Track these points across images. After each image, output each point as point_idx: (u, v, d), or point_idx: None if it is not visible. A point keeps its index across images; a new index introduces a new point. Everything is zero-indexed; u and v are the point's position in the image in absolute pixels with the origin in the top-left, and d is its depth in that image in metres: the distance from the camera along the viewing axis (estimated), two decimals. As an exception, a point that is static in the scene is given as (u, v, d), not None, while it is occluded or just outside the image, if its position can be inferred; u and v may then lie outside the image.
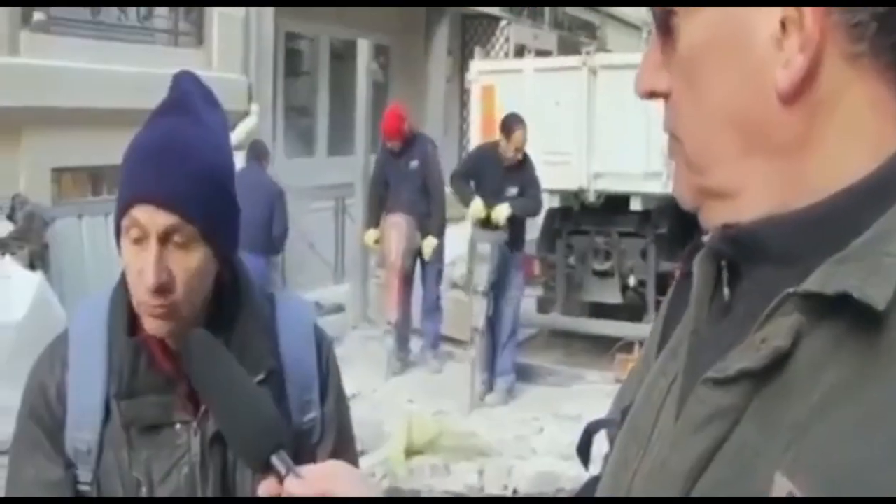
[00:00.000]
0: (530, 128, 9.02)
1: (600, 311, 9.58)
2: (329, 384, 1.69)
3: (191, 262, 1.48)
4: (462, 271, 10.25)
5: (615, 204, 9.13)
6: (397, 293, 8.19)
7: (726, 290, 0.85)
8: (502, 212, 7.46)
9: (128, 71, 8.28)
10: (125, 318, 1.56)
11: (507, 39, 14.95)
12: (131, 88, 8.16)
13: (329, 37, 12.49)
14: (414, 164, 8.26)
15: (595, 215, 9.29)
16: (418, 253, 8.30)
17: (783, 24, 0.73)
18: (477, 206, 7.53)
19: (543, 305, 9.91)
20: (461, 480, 5.89)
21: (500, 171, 7.58)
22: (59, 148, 7.92)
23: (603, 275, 9.33)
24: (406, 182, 8.27)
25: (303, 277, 10.20)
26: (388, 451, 6.11)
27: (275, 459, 1.16)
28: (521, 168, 7.68)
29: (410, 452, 6.10)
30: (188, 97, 1.53)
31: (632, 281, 9.11)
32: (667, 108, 0.84)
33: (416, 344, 8.71)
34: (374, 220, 8.54)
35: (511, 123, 7.51)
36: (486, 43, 14.26)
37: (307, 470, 1.18)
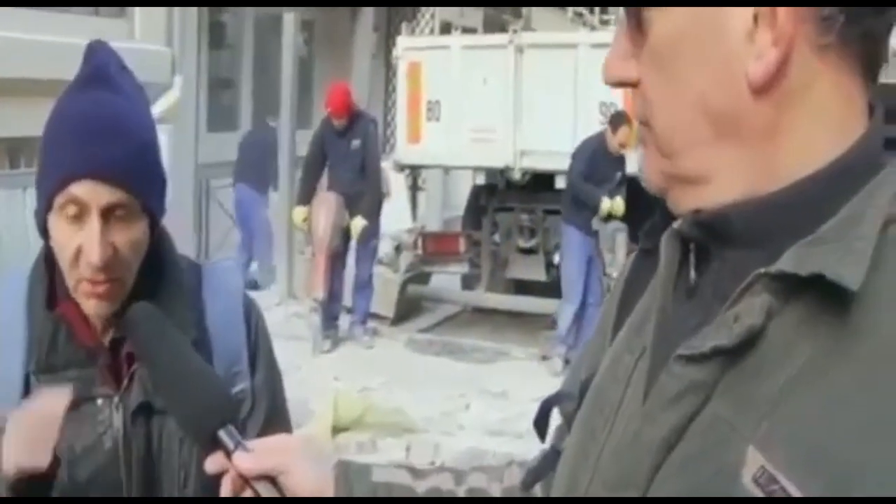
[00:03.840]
0: (456, 104, 9.05)
1: (525, 288, 9.68)
2: (259, 354, 1.66)
3: (133, 236, 1.45)
4: (387, 249, 10.26)
5: (541, 182, 9.21)
6: (324, 271, 8.14)
7: (693, 273, 0.87)
8: (621, 206, 7.92)
9: (46, 40, 8.04)
10: (45, 292, 1.53)
11: (432, 16, 14.87)
12: (50, 58, 7.90)
13: (254, 10, 12.30)
14: (356, 143, 8.23)
15: (520, 193, 9.36)
16: (347, 231, 8.27)
17: (755, 19, 0.75)
18: (607, 205, 7.84)
19: (468, 282, 9.97)
20: (387, 457, 5.90)
21: (607, 158, 7.90)
22: (-27, 118, 7.68)
23: (528, 252, 9.42)
24: (346, 161, 8.24)
25: (226, 252, 10.07)
26: (313, 428, 6.09)
27: (222, 434, 1.14)
28: (622, 157, 8.02)
29: (336, 429, 6.09)
30: (107, 69, 1.49)
31: (556, 258, 9.19)
32: (636, 95, 0.86)
33: (342, 321, 8.68)
34: (305, 197, 8.46)
35: (617, 121, 7.80)
36: (412, 19, 14.17)
37: (256, 444, 1.16)
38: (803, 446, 0.70)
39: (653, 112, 0.84)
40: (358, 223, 8.20)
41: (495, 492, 1.21)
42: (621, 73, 0.86)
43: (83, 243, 1.41)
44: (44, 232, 1.49)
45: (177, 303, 1.54)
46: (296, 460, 1.14)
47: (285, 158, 9.59)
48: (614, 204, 7.89)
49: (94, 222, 1.41)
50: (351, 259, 8.54)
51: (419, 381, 7.47)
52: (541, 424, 1.10)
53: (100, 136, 1.42)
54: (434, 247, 9.74)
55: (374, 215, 8.35)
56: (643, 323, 0.91)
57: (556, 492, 0.99)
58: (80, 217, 1.42)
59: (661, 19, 0.80)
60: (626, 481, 0.82)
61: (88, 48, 1.52)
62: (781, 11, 0.74)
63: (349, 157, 8.24)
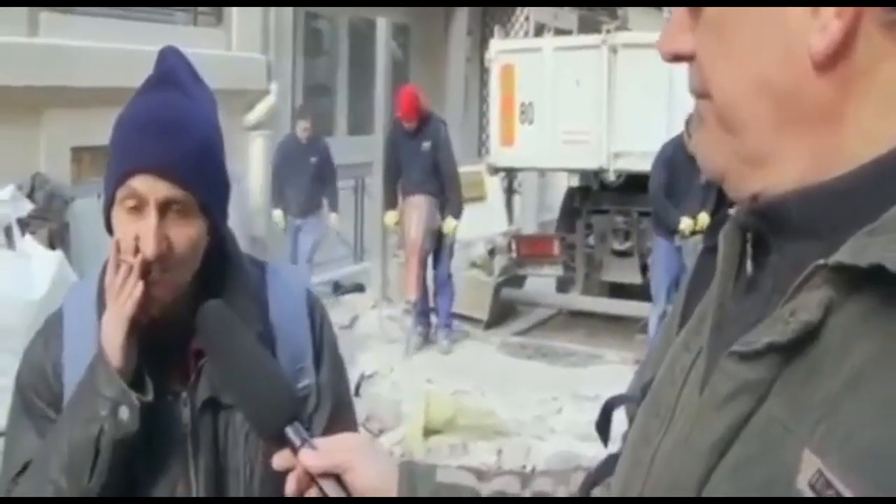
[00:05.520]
0: (549, 106, 8.98)
1: (620, 291, 9.58)
2: (323, 351, 1.67)
3: (189, 233, 1.48)
4: (481, 252, 10.26)
5: (635, 183, 9.09)
6: (417, 273, 8.20)
7: (750, 264, 0.84)
8: (706, 221, 7.73)
9: (147, 50, 8.14)
10: None
11: (526, 18, 14.84)
12: (150, 68, 8.16)
13: (348, 16, 12.45)
14: (426, 145, 8.27)
15: (614, 195, 9.28)
16: (439, 233, 8.31)
17: None
18: (687, 224, 7.72)
19: (563, 285, 9.91)
20: (479, 460, 5.89)
21: (688, 162, 7.66)
22: (78, 127, 7.92)
23: (622, 255, 9.32)
24: (417, 162, 8.29)
25: (322, 256, 10.19)
26: (406, 430, 6.12)
27: (289, 431, 1.16)
28: None
29: (428, 432, 6.11)
30: (176, 72, 1.53)
31: (651, 261, 9.08)
32: (691, 69, 0.82)
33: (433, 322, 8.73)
34: (391, 201, 8.56)
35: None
36: (506, 22, 14.17)
37: (322, 442, 1.17)
38: (861, 449, 0.66)
39: (713, 81, 0.79)
40: (451, 223, 8.25)
41: (561, 495, 1.19)
42: (676, 45, 0.82)
43: (140, 235, 1.45)
44: (109, 228, 1.53)
45: (241, 298, 1.56)
46: (361, 458, 1.14)
47: (378, 161, 9.66)
48: (699, 219, 7.68)
49: (150, 215, 1.44)
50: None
51: (512, 385, 7.44)
52: (602, 427, 1.07)
53: (160, 132, 1.46)
54: (528, 249, 9.70)
55: (459, 216, 8.40)
56: (702, 321, 0.88)
57: (613, 496, 0.97)
58: (138, 209, 1.45)
59: None
60: (677, 486, 0.79)
61: (160, 53, 1.56)
62: None
63: (420, 158, 8.27)
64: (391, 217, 8.55)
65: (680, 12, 0.82)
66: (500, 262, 10.02)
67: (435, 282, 8.60)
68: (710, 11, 0.78)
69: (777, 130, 0.76)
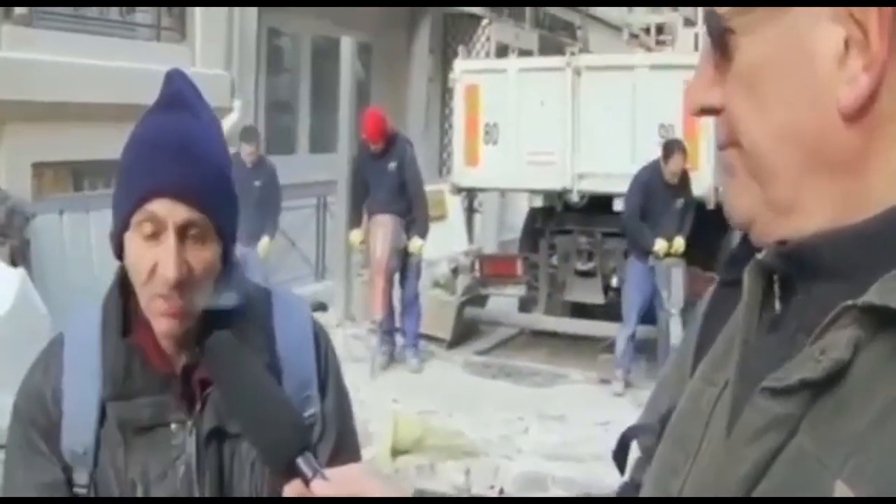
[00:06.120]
0: (514, 127, 9.05)
1: (583, 311, 9.63)
2: (328, 379, 1.66)
3: (206, 257, 1.47)
4: (444, 271, 10.27)
5: (598, 204, 9.17)
6: (382, 292, 8.19)
7: (778, 304, 0.85)
8: (681, 244, 7.93)
9: (110, 66, 8.22)
10: (119, 320, 1.55)
11: (488, 38, 14.95)
12: (113, 83, 8.10)
13: (311, 34, 12.45)
14: (392, 165, 8.30)
15: (578, 215, 9.34)
16: (404, 252, 8.32)
17: (846, 44, 0.73)
18: (662, 246, 7.86)
19: (525, 305, 9.94)
20: (447, 480, 5.88)
21: (663, 188, 7.91)
22: (40, 143, 7.85)
23: (585, 275, 9.37)
24: (384, 183, 8.32)
25: (283, 275, 10.15)
26: (373, 450, 6.09)
27: (300, 462, 1.15)
28: (683, 182, 7.99)
29: (396, 452, 6.09)
30: (185, 94, 1.52)
31: (614, 281, 9.16)
32: (719, 121, 0.84)
33: (398, 342, 8.72)
34: (356, 219, 8.58)
35: (670, 149, 7.80)
36: (468, 42, 14.26)
37: (334, 472, 1.16)
38: (892, 482, 0.68)
39: (744, 133, 0.82)
40: (416, 243, 8.28)
41: None
42: (705, 99, 0.85)
43: (159, 260, 1.43)
44: (118, 253, 1.51)
45: (249, 327, 1.55)
46: (374, 487, 1.14)
47: (343, 180, 9.64)
48: (674, 243, 7.87)
49: (170, 239, 1.43)
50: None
51: (477, 404, 7.45)
52: (620, 457, 1.09)
53: (178, 156, 1.44)
54: (491, 269, 9.74)
55: (425, 235, 8.42)
56: (725, 355, 0.90)
57: None
58: (156, 235, 1.43)
59: (748, 45, 0.79)
60: None
61: (167, 75, 1.55)
62: (875, 37, 0.72)
63: (386, 178, 8.30)
64: (356, 235, 8.55)
65: (706, 67, 0.84)
66: (462, 281, 10.05)
67: (402, 301, 8.61)
68: (739, 65, 0.80)
69: (805, 178, 0.78)
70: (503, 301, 10.13)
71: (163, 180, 1.43)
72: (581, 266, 9.32)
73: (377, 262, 8.20)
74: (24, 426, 1.56)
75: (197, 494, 1.53)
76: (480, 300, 10.00)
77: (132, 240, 1.46)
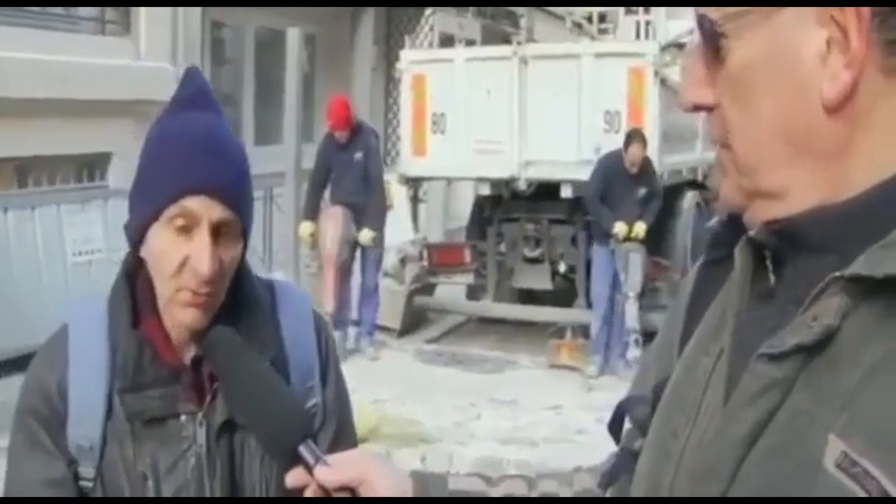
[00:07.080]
0: (461, 116, 9.10)
1: (531, 297, 9.74)
2: (329, 369, 1.69)
3: (233, 254, 1.50)
4: (392, 260, 10.30)
5: (545, 191, 9.26)
6: (333, 284, 8.21)
7: (772, 277, 0.93)
8: (642, 229, 8.04)
9: (53, 60, 8.11)
10: (128, 312, 1.55)
11: (431, 28, 14.96)
12: (57, 78, 7.99)
13: (255, 25, 12.37)
14: (358, 155, 8.32)
15: (525, 203, 9.40)
16: (355, 244, 8.34)
17: (828, 44, 0.82)
18: (621, 228, 7.98)
19: (474, 292, 10.01)
20: (404, 467, 5.93)
21: (624, 176, 8.02)
22: (-18, 138, 7.73)
23: (533, 261, 9.46)
24: (349, 173, 8.33)
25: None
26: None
27: (302, 449, 1.19)
28: (646, 171, 8.10)
29: (352, 440, 6.12)
30: (208, 93, 1.55)
31: (562, 267, 9.29)
32: (712, 119, 0.93)
33: (350, 333, 8.74)
34: (312, 212, 8.56)
35: (629, 139, 7.92)
36: (412, 32, 14.26)
37: (335, 458, 1.22)
38: (882, 431, 0.75)
39: (732, 135, 0.90)
40: (367, 234, 8.30)
41: (567, 496, 1.27)
42: (698, 98, 0.93)
43: (192, 254, 1.45)
44: (135, 244, 1.52)
45: (259, 321, 1.58)
46: (375, 471, 1.20)
47: (290, 172, 9.62)
48: (635, 227, 8.03)
49: (204, 235, 1.45)
50: (356, 269, 8.64)
51: (430, 392, 7.53)
52: (615, 428, 1.15)
53: (215, 155, 1.47)
54: (439, 258, 9.79)
55: (379, 226, 8.45)
56: (718, 327, 0.97)
57: (637, 491, 1.03)
58: (187, 229, 1.45)
59: (739, 48, 0.87)
60: (710, 474, 0.88)
61: (187, 72, 1.58)
62: (854, 37, 0.80)
63: (352, 169, 8.32)
64: (306, 228, 8.54)
65: (697, 67, 0.92)
66: (411, 270, 10.09)
67: (361, 291, 8.64)
68: (730, 67, 0.88)
69: (792, 167, 0.87)
70: (452, 289, 10.20)
71: (202, 178, 1.45)
72: (528, 253, 9.41)
73: (327, 254, 8.21)
74: (29, 420, 1.55)
75: (207, 487, 1.53)
76: (429, 289, 10.06)
77: (160, 232, 1.47)
